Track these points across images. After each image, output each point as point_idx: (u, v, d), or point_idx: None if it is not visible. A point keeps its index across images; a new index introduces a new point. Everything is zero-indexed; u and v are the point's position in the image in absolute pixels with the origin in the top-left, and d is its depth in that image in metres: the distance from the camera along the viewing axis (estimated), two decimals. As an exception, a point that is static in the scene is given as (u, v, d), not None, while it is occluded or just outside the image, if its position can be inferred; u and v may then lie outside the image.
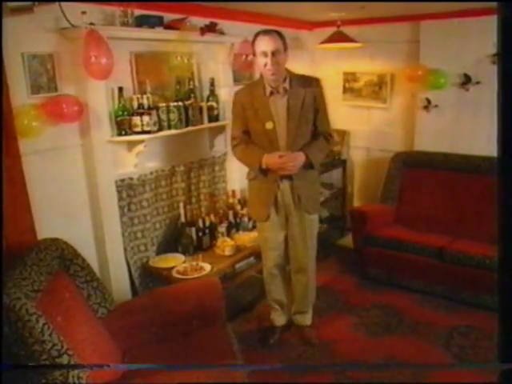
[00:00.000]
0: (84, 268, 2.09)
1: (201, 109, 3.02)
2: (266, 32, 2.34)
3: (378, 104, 4.10)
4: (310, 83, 2.48)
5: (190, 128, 2.92)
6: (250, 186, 2.67)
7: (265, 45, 2.31)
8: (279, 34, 2.36)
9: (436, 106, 3.72)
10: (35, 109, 2.19)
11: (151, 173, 2.94)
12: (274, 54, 2.31)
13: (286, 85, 2.43)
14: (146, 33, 2.63)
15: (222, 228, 3.12)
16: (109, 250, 2.66)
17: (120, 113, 2.58)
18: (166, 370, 1.69)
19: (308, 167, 2.49)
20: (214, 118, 3.12)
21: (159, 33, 2.71)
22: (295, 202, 2.54)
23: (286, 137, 2.45)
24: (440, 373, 2.40)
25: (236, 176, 3.49)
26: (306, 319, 2.85)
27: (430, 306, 3.16)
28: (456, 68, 3.56)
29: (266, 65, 2.33)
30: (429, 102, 3.73)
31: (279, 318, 2.87)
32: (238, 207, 3.33)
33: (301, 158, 2.43)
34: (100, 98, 2.49)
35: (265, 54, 2.32)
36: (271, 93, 2.44)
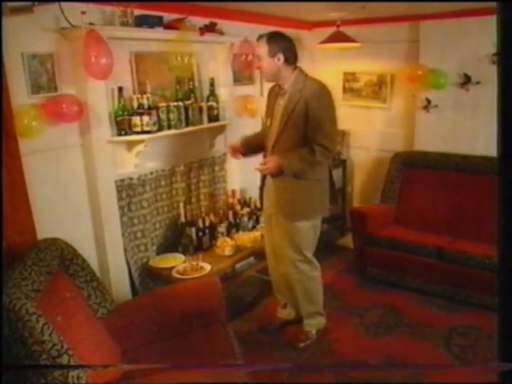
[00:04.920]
0: (84, 268, 2.09)
1: (201, 109, 3.02)
2: (260, 36, 2.42)
3: (378, 104, 4.09)
4: (309, 88, 2.40)
5: (190, 128, 2.92)
6: None
7: (256, 47, 2.46)
8: (271, 37, 2.38)
9: (436, 106, 3.72)
10: (35, 109, 2.19)
11: (151, 173, 2.94)
12: (258, 58, 2.44)
13: (287, 86, 2.45)
14: (145, 33, 2.62)
15: (222, 228, 3.12)
16: (109, 250, 2.65)
17: (120, 113, 2.58)
18: (166, 370, 1.69)
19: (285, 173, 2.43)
20: (213, 118, 3.12)
21: (159, 33, 2.70)
22: (275, 204, 2.56)
23: (274, 138, 2.48)
24: (440, 373, 2.40)
25: (236, 176, 3.50)
26: (304, 323, 2.80)
27: (429, 306, 3.15)
28: (456, 68, 3.55)
29: None
30: (429, 102, 3.73)
31: (280, 310, 2.92)
32: (238, 207, 3.33)
33: (271, 162, 2.42)
34: (100, 98, 2.49)
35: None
36: (278, 92, 2.51)
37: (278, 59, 2.38)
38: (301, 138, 2.42)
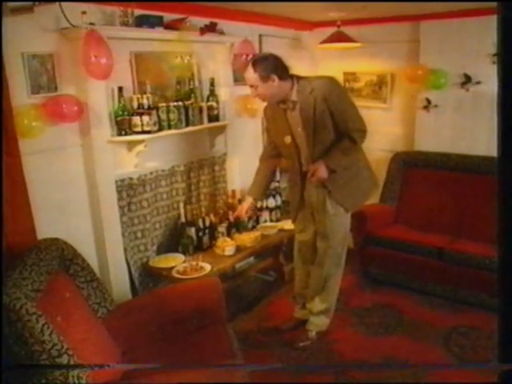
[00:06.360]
0: (84, 268, 2.09)
1: (201, 109, 3.02)
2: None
3: (378, 104, 4.09)
4: (319, 87, 2.36)
5: (190, 128, 2.92)
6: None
7: (246, 78, 2.37)
8: (256, 63, 2.29)
9: (436, 106, 3.72)
10: (35, 109, 2.19)
11: (151, 173, 2.94)
12: (252, 86, 2.35)
13: (294, 97, 2.40)
14: (145, 33, 2.63)
15: (222, 228, 3.12)
16: (109, 249, 2.66)
17: (120, 113, 2.58)
18: (166, 370, 1.69)
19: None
20: (213, 118, 3.12)
21: (159, 33, 2.70)
22: (320, 199, 2.56)
23: (306, 148, 2.46)
24: (440, 373, 2.40)
25: (236, 176, 3.50)
26: (309, 321, 2.81)
27: (429, 306, 3.16)
28: (456, 68, 3.55)
29: None
30: (429, 101, 3.73)
31: (298, 310, 2.93)
32: (238, 207, 3.33)
33: (320, 168, 2.40)
34: (100, 98, 2.49)
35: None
36: (284, 109, 2.45)
37: (273, 80, 2.31)
38: (332, 134, 2.43)
